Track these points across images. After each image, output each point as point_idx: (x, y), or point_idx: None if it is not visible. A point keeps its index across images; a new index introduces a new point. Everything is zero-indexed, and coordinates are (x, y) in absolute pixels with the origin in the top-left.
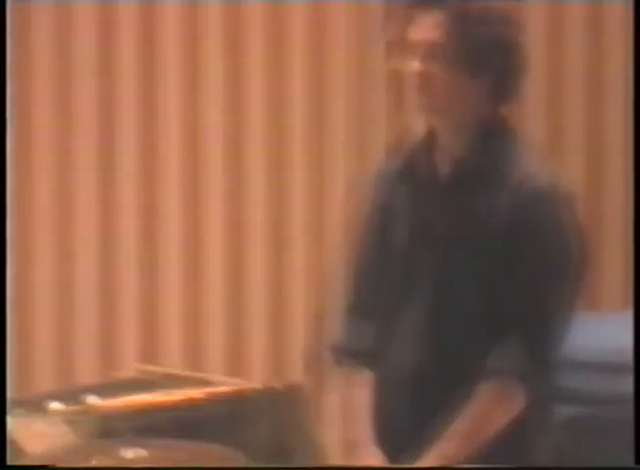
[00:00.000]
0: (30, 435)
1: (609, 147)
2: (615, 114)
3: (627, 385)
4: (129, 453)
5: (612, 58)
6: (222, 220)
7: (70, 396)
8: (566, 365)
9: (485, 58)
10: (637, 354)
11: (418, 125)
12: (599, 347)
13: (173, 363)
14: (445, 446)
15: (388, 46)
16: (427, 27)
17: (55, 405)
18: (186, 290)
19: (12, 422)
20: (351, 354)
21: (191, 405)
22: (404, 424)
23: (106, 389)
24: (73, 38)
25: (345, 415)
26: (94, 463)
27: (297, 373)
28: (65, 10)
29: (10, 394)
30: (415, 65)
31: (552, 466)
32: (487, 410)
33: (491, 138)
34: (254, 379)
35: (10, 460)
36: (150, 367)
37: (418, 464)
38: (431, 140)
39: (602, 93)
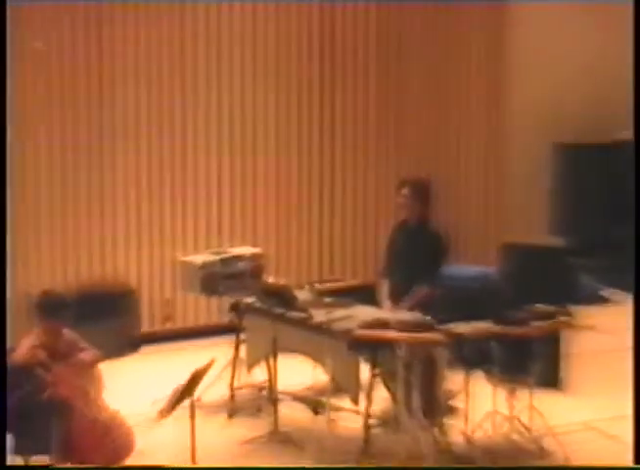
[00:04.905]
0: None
1: None
2: None
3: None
4: (332, 305)
5: None
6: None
7: (310, 283)
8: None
9: (419, 199)
10: (637, 353)
11: (402, 215)
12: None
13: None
14: (407, 300)
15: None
16: (404, 191)
17: (306, 287)
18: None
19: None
20: (383, 275)
21: (345, 288)
22: (397, 295)
23: (320, 283)
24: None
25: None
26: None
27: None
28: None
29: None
30: (401, 200)
31: (552, 466)
32: (419, 292)
33: (424, 220)
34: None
35: (285, 304)
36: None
37: (403, 304)
38: (405, 220)
39: None
